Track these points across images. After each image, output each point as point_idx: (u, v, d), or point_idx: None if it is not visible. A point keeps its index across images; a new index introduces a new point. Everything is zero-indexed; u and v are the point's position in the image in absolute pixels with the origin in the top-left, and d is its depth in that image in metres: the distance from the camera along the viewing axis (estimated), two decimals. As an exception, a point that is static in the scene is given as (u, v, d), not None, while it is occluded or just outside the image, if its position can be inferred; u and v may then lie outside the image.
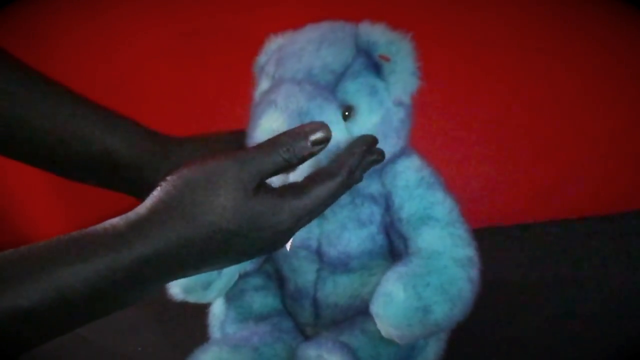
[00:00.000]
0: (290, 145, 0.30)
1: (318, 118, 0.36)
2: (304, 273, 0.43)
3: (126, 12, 0.76)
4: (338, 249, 0.41)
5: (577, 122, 0.75)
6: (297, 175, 0.35)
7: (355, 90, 0.39)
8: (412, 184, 0.41)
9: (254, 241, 0.31)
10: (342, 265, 0.42)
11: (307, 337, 0.45)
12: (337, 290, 0.43)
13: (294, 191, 0.31)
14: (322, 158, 0.36)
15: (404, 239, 0.40)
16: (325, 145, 0.31)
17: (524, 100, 0.75)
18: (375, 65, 0.40)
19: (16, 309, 0.25)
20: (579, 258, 0.64)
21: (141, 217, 0.29)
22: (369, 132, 0.39)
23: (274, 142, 0.31)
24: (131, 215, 0.29)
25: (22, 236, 0.82)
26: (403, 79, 0.39)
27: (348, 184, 0.33)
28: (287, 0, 0.73)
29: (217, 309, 0.46)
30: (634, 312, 0.53)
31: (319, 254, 0.42)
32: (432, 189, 0.41)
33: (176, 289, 0.41)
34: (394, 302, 0.36)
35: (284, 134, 0.31)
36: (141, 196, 0.31)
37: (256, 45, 0.45)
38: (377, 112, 0.39)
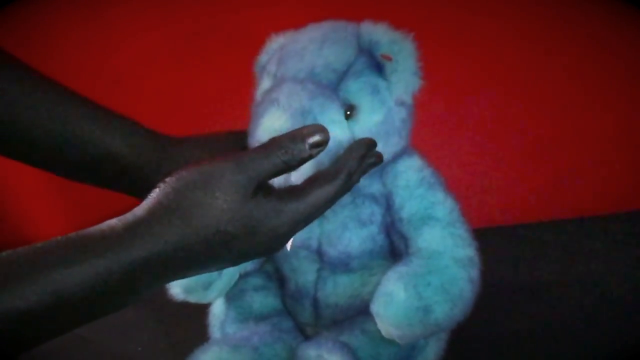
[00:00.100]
0: (289, 148, 0.30)
1: (320, 117, 0.36)
2: (305, 273, 0.43)
3: (126, 12, 0.76)
4: (338, 248, 0.41)
5: (576, 122, 0.75)
6: (299, 174, 0.35)
7: (357, 89, 0.39)
8: (413, 184, 0.41)
9: (251, 244, 0.31)
10: (342, 265, 0.42)
11: (307, 337, 0.45)
12: (338, 290, 0.43)
13: (293, 195, 0.31)
14: (324, 157, 0.36)
15: (405, 239, 0.40)
16: (324, 148, 0.31)
17: (523, 100, 0.75)
18: (377, 65, 0.40)
19: (13, 310, 0.25)
20: (579, 258, 0.64)
21: (139, 219, 0.29)
22: (371, 131, 0.39)
23: (272, 145, 0.31)
24: (129, 216, 0.29)
25: (22, 236, 0.82)
26: (405, 78, 0.39)
27: (346, 188, 0.34)
28: (287, 0, 0.73)
29: (217, 309, 0.46)
30: (633, 312, 0.53)
31: (319, 253, 0.42)
32: (432, 189, 0.41)
33: (177, 289, 0.41)
34: (394, 302, 0.36)
35: (283, 136, 0.31)
36: (141, 196, 0.31)
37: (256, 45, 0.45)
38: (379, 112, 0.39)
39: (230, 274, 0.43)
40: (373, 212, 0.41)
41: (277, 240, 0.32)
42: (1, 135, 0.41)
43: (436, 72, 0.41)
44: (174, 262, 0.29)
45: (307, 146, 0.31)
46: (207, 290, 0.41)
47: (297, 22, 0.43)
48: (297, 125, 0.35)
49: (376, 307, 0.37)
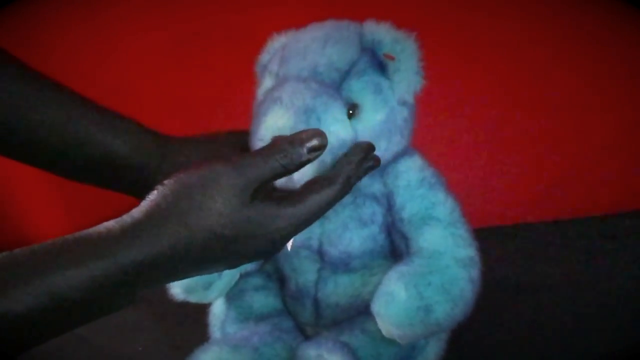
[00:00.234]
0: (288, 152, 0.31)
1: (323, 115, 0.36)
2: (305, 273, 0.43)
3: (126, 12, 0.76)
4: (339, 248, 0.41)
5: (576, 122, 0.75)
6: (301, 174, 0.35)
7: (360, 88, 0.39)
8: (413, 184, 0.41)
9: (249, 247, 0.31)
10: (343, 265, 0.42)
11: (307, 337, 0.45)
12: (338, 290, 0.43)
13: (291, 199, 0.31)
14: (326, 156, 0.36)
15: (406, 239, 0.40)
16: (322, 152, 0.32)
17: (524, 100, 0.75)
18: (380, 64, 0.40)
19: (10, 313, 0.25)
20: (578, 258, 0.64)
21: (136, 221, 0.29)
22: (374, 130, 0.39)
23: (271, 148, 0.31)
24: (126, 218, 0.29)
25: (22, 236, 0.82)
26: (407, 78, 0.39)
27: (344, 192, 0.34)
28: (288, 0, 0.73)
29: (218, 309, 0.46)
30: (633, 312, 0.53)
31: (320, 253, 0.42)
32: (433, 189, 0.41)
33: (177, 289, 0.41)
34: (395, 302, 0.36)
35: (281, 140, 0.31)
36: (141, 196, 0.31)
37: (257, 45, 0.45)
38: (382, 111, 0.39)
39: (231, 274, 0.43)
40: (374, 212, 0.41)
41: (275, 244, 0.32)
42: (2, 136, 0.41)
43: (436, 72, 0.41)
44: (172, 264, 0.29)
45: (305, 150, 0.31)
46: (208, 290, 0.41)
47: (298, 22, 0.43)
48: (300, 124, 0.36)
49: (377, 307, 0.37)
